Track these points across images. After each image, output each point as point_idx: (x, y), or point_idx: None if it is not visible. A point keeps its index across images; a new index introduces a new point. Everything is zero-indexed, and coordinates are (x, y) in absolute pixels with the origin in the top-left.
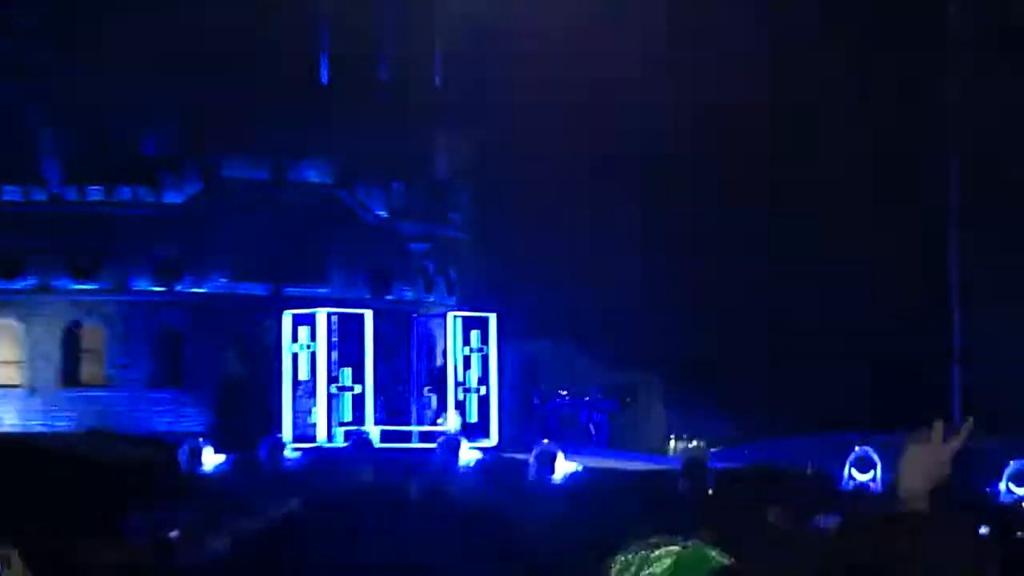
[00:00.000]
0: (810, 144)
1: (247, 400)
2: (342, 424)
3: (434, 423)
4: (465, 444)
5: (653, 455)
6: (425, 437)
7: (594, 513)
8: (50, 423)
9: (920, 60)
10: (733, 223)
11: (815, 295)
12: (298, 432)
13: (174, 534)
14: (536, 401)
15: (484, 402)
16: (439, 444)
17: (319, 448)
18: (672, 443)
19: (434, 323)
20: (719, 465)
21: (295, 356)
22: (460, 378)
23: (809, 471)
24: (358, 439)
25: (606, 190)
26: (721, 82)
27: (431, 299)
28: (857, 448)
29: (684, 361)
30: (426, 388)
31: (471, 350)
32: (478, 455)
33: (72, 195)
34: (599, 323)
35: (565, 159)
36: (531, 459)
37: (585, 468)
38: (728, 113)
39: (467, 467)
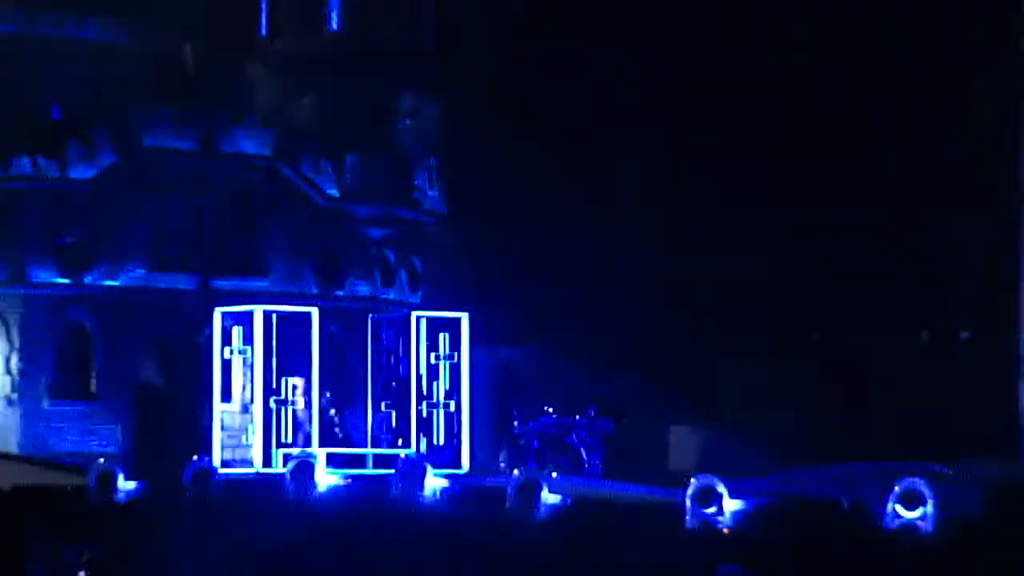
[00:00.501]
0: (850, 141)
1: (169, 416)
2: (282, 446)
3: (393, 445)
4: (430, 470)
5: (655, 485)
6: (382, 462)
7: (584, 554)
8: None
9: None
10: (754, 218)
11: (852, 299)
12: (230, 455)
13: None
14: (516, 420)
15: (453, 420)
16: (398, 470)
17: (256, 474)
18: (680, 470)
19: (394, 325)
20: (737, 498)
21: (227, 363)
22: (425, 391)
23: (846, 506)
24: (301, 464)
25: (603, 167)
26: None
27: (391, 295)
28: (903, 480)
29: (693, 375)
30: (384, 403)
31: (438, 357)
32: (444, 483)
33: None
34: (592, 326)
35: (554, 130)
36: (509, 489)
37: (574, 500)
38: (749, 93)
39: (432, 498)
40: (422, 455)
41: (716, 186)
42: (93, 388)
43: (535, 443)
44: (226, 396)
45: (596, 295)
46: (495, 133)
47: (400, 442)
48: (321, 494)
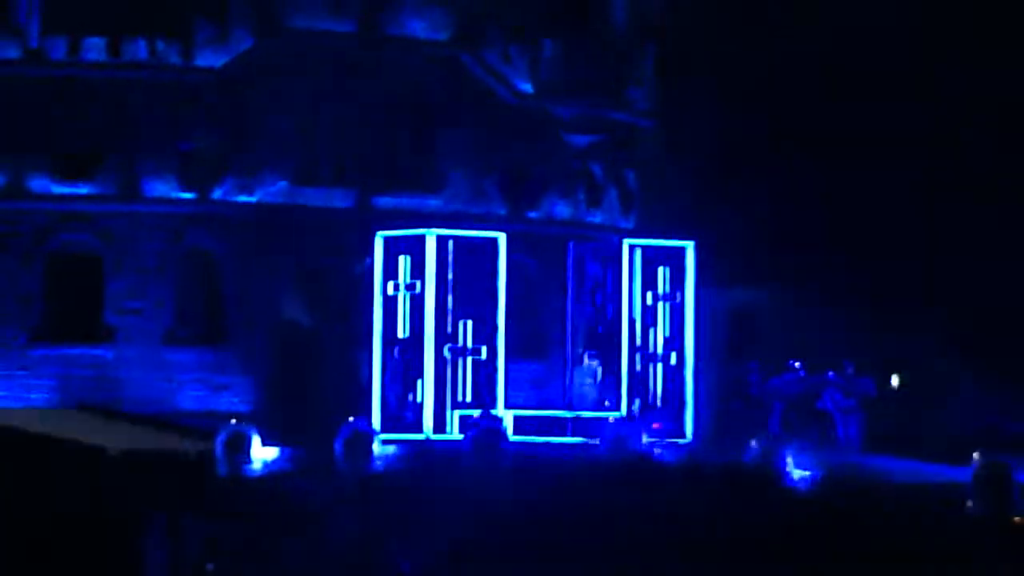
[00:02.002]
0: None
1: (317, 367)
2: (459, 406)
3: (599, 407)
4: (645, 438)
5: (930, 462)
6: (583, 427)
7: (839, 546)
8: (20, 394)
9: None
10: None
11: None
12: (393, 417)
13: (211, 567)
14: (753, 377)
15: (675, 376)
16: (605, 437)
17: (426, 442)
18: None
19: (602, 255)
20: None
21: (391, 301)
22: (640, 340)
23: None
24: (484, 429)
25: (872, 55)
26: None
27: (598, 219)
28: None
29: (985, 328)
30: (587, 354)
31: (657, 297)
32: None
33: (59, 52)
34: (855, 262)
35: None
36: (747, 461)
37: (826, 477)
38: None
39: (647, 471)
40: (636, 419)
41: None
42: (222, 331)
43: (777, 406)
44: (389, 342)
45: (864, 221)
46: (739, 14)
47: (608, 403)
48: (509, 467)
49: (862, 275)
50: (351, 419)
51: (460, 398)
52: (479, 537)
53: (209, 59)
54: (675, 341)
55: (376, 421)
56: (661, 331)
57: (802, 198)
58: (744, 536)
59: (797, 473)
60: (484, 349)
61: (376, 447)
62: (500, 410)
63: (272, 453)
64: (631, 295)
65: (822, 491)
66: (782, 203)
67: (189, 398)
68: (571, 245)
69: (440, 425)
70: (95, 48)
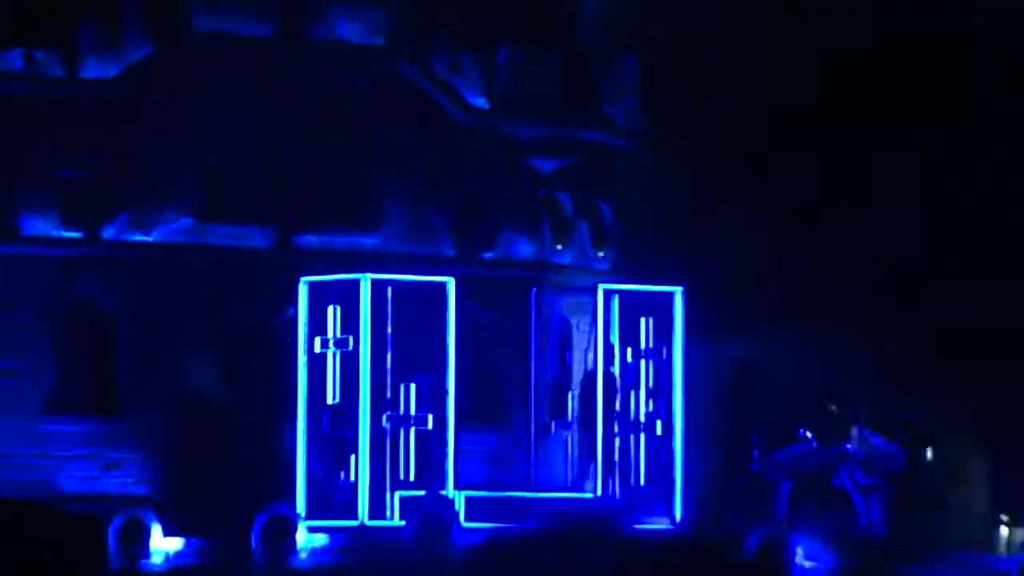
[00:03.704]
0: None
1: (230, 440)
2: (400, 485)
3: (570, 486)
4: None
5: (971, 553)
6: (551, 511)
7: None
8: None
9: None
10: None
11: None
12: (321, 500)
13: None
14: (755, 448)
15: (661, 448)
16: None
17: (360, 529)
18: (1005, 531)
19: (572, 303)
20: None
21: (318, 359)
22: (619, 404)
23: None
24: (430, 513)
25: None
26: None
27: (566, 259)
28: None
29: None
30: (555, 422)
31: (639, 353)
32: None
33: None
34: (881, 310)
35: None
36: (746, 551)
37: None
38: None
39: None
40: (615, 500)
41: None
42: (114, 398)
43: (785, 485)
44: (315, 410)
45: (884, 262)
46: (725, 17)
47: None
48: (458, 558)
49: (895, 329)
50: (271, 503)
51: (403, 476)
52: None
53: (97, 70)
54: (662, 406)
55: (301, 505)
56: (645, 393)
57: (821, 225)
58: None
59: (809, 566)
60: (430, 418)
61: (301, 536)
62: (450, 491)
63: (176, 545)
64: (608, 351)
65: None
66: (793, 232)
67: (73, 479)
68: (534, 291)
69: (377, 510)
70: None
